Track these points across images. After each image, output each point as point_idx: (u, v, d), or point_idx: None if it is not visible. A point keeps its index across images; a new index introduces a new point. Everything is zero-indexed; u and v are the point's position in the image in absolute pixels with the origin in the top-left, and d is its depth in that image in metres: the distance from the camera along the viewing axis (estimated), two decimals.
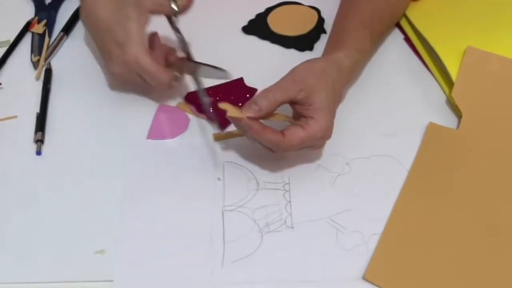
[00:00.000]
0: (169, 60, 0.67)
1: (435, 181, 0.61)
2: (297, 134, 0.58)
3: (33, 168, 0.64)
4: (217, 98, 0.68)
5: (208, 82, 0.69)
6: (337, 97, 0.61)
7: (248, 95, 0.69)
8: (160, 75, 0.63)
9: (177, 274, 0.56)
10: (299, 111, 0.59)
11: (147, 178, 0.63)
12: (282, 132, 0.58)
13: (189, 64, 0.66)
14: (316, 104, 0.58)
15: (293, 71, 0.60)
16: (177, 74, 0.67)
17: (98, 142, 0.66)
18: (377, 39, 0.69)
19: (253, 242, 0.58)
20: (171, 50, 0.68)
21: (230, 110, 0.57)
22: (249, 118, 0.57)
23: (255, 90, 0.70)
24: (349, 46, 0.64)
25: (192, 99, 0.69)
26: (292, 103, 0.60)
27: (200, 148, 0.65)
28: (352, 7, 0.69)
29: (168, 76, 0.64)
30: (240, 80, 0.71)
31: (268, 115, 0.59)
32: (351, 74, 0.65)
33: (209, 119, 0.67)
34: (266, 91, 0.59)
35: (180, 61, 0.67)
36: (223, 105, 0.57)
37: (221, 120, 0.66)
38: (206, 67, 0.66)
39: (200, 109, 0.68)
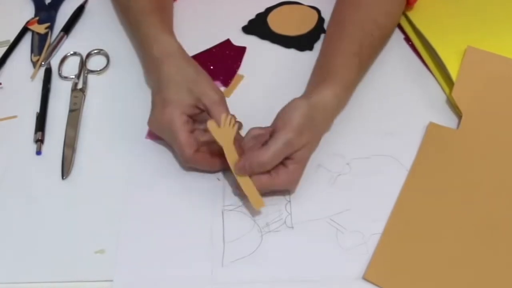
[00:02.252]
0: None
1: (435, 181, 0.61)
2: (261, 179, 0.58)
3: (33, 168, 0.64)
4: (209, 63, 0.72)
5: (199, 47, 0.73)
6: (315, 146, 0.62)
7: (237, 54, 0.73)
8: (183, 149, 0.59)
9: (177, 274, 0.56)
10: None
11: (147, 178, 0.63)
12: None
13: None
14: (297, 158, 0.58)
15: (294, 130, 0.58)
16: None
17: (98, 142, 0.66)
18: (365, 65, 0.68)
19: (253, 242, 0.58)
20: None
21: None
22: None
23: (243, 48, 0.73)
24: (335, 81, 0.63)
25: None
26: None
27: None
28: (339, 31, 0.68)
29: (191, 157, 0.60)
30: (227, 41, 0.74)
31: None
32: (335, 114, 0.64)
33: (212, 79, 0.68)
34: (262, 157, 0.57)
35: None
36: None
37: (224, 77, 0.70)
38: None
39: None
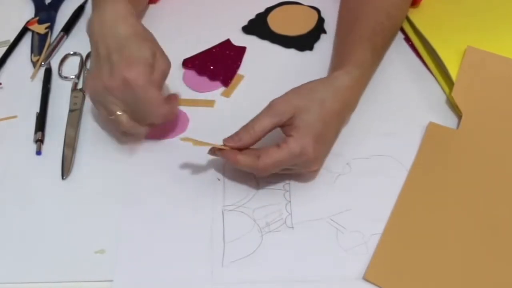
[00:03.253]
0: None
1: (435, 181, 0.61)
2: (271, 154, 0.56)
3: (33, 168, 0.64)
4: (209, 63, 0.72)
5: (199, 47, 0.73)
6: (329, 117, 0.59)
7: (237, 54, 0.73)
8: (158, 106, 0.59)
9: (177, 274, 0.56)
10: (284, 132, 0.59)
11: (147, 178, 0.63)
12: (258, 153, 0.57)
13: None
14: (296, 122, 0.57)
15: (280, 96, 0.59)
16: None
17: (97, 141, 0.66)
18: (379, 53, 0.68)
19: (253, 242, 0.58)
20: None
21: (194, 142, 0.58)
22: (223, 150, 0.58)
23: (243, 48, 0.73)
24: (348, 62, 0.63)
25: (190, 64, 0.72)
26: (281, 126, 0.59)
27: (200, 148, 0.65)
28: (352, 21, 0.69)
29: (167, 111, 0.60)
30: (227, 41, 0.74)
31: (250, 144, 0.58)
32: (350, 91, 0.62)
33: (212, 79, 0.71)
34: (247, 124, 0.58)
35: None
36: (184, 139, 0.59)
37: (224, 77, 0.70)
38: None
39: (201, 71, 0.71)
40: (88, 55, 0.75)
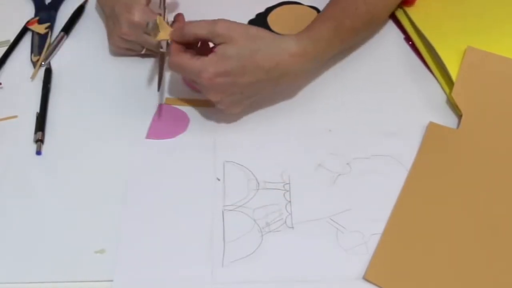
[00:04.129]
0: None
1: (435, 181, 0.61)
2: (183, 56, 0.61)
3: (33, 168, 0.64)
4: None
5: None
6: (251, 66, 0.60)
7: None
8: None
9: (177, 274, 0.56)
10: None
11: (147, 178, 0.63)
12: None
13: None
14: (220, 49, 0.59)
15: (228, 22, 0.61)
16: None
17: (97, 142, 0.66)
18: (345, 35, 0.66)
19: (253, 242, 0.58)
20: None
21: (161, 34, 0.62)
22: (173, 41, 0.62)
23: None
24: (304, 33, 0.63)
25: None
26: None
27: (200, 148, 0.65)
28: (330, 3, 0.69)
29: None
30: None
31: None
32: (293, 59, 0.61)
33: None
34: (189, 22, 0.62)
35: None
36: (159, 20, 0.62)
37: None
38: None
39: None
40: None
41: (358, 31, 0.69)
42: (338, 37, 0.66)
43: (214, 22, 0.60)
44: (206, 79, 0.60)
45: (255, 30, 0.61)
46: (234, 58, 0.59)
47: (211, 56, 0.60)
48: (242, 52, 0.59)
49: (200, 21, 0.61)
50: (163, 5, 0.68)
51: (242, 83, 0.61)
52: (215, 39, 0.60)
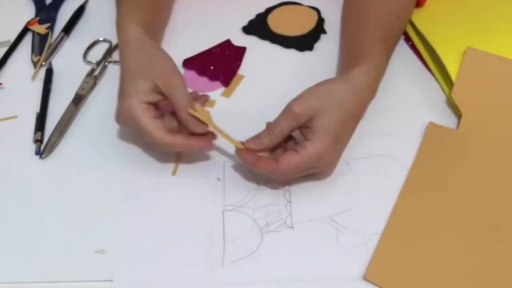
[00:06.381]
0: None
1: (435, 181, 0.61)
2: (290, 159, 0.56)
3: (33, 168, 0.64)
4: (209, 63, 0.73)
5: (199, 48, 0.73)
6: (347, 119, 0.58)
7: (237, 54, 0.73)
8: (157, 137, 0.58)
9: (177, 274, 0.56)
10: (302, 134, 0.59)
11: (147, 178, 0.63)
12: (277, 159, 0.57)
13: None
14: (314, 126, 0.56)
15: (297, 98, 0.58)
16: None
17: (97, 141, 0.66)
18: (390, 52, 0.68)
19: (253, 242, 0.58)
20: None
21: (205, 117, 0.58)
22: (243, 150, 0.58)
23: (243, 48, 0.74)
24: (366, 62, 0.61)
25: (190, 64, 0.72)
26: (300, 128, 0.58)
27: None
28: (363, 21, 0.68)
29: (169, 142, 0.58)
30: (227, 41, 0.75)
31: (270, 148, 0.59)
32: (368, 93, 0.61)
33: (212, 79, 0.71)
34: (268, 128, 0.58)
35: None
36: (193, 112, 0.57)
37: (224, 78, 0.71)
38: None
39: (201, 71, 0.72)
40: (117, 45, 0.75)
41: (395, 45, 0.70)
42: (389, 56, 0.67)
43: (290, 115, 0.57)
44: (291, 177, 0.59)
45: (323, 91, 0.58)
46: (321, 155, 0.57)
47: (295, 158, 0.56)
48: (332, 126, 0.57)
49: (279, 121, 0.58)
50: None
51: (347, 141, 0.61)
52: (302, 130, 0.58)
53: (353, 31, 0.70)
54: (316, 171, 0.60)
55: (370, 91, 0.62)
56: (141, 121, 0.58)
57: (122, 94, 0.59)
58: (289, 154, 0.57)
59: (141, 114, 0.58)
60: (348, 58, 0.66)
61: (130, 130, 0.62)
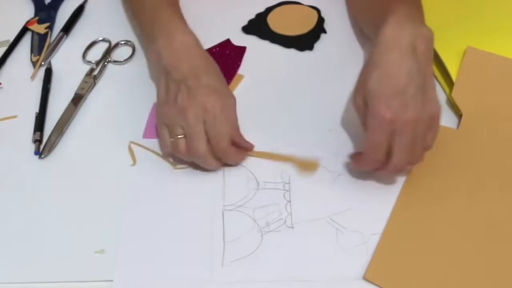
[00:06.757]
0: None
1: (435, 181, 0.61)
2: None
3: (32, 168, 0.64)
4: None
5: None
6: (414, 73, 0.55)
7: (237, 54, 0.73)
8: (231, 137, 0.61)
9: (177, 274, 0.56)
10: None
11: (147, 178, 0.63)
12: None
13: None
14: (369, 92, 0.56)
15: (376, 99, 0.56)
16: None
17: (97, 141, 0.66)
18: (420, 7, 0.64)
19: (253, 241, 0.58)
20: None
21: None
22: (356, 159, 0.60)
23: (243, 48, 0.74)
24: (410, 12, 0.58)
25: None
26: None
27: None
28: None
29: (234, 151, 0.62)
30: (227, 41, 0.75)
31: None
32: (412, 33, 0.56)
33: None
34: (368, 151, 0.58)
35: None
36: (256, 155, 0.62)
37: (224, 77, 0.68)
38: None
39: None
40: (116, 45, 0.75)
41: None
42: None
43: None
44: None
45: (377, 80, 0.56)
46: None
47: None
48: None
49: (372, 132, 0.56)
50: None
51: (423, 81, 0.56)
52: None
53: (371, 6, 0.66)
54: (420, 126, 0.56)
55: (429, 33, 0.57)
56: (235, 122, 0.62)
57: (206, 88, 0.60)
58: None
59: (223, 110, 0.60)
60: (381, 13, 0.60)
61: (199, 123, 0.59)
